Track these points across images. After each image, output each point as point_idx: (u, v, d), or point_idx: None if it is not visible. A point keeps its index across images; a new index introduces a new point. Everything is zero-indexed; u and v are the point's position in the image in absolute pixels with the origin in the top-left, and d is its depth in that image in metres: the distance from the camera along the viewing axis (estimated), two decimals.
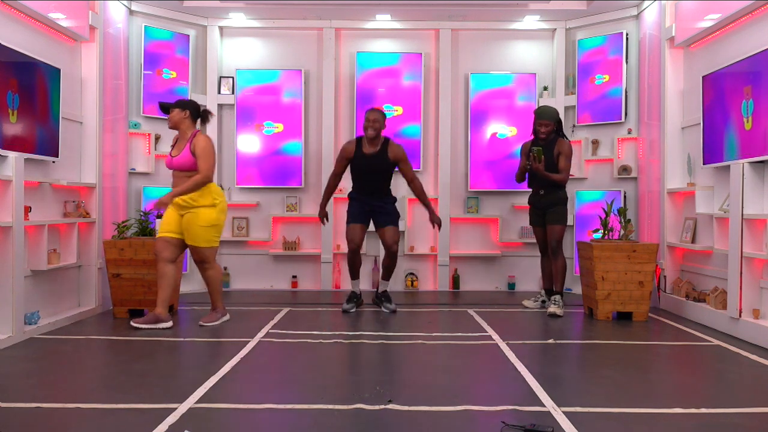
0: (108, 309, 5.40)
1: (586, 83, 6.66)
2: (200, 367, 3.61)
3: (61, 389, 3.20)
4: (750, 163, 4.44)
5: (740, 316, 4.47)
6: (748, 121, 4.57)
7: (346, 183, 6.40)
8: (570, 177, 5.65)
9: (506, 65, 6.95)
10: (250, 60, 6.94)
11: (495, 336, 4.49)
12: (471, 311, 5.55)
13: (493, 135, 6.87)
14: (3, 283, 4.14)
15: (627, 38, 6.38)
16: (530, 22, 6.80)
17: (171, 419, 2.70)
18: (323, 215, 5.59)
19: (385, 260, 5.51)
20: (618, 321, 5.16)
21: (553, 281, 5.67)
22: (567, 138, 5.68)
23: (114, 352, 4.08)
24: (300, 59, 6.93)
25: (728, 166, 4.70)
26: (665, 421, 2.76)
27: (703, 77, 5.16)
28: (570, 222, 6.47)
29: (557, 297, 5.42)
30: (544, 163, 5.38)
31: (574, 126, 6.69)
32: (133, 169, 6.16)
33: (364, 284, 6.50)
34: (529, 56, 6.96)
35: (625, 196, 6.39)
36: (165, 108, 4.84)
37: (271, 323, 4.92)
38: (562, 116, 6.14)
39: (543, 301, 5.76)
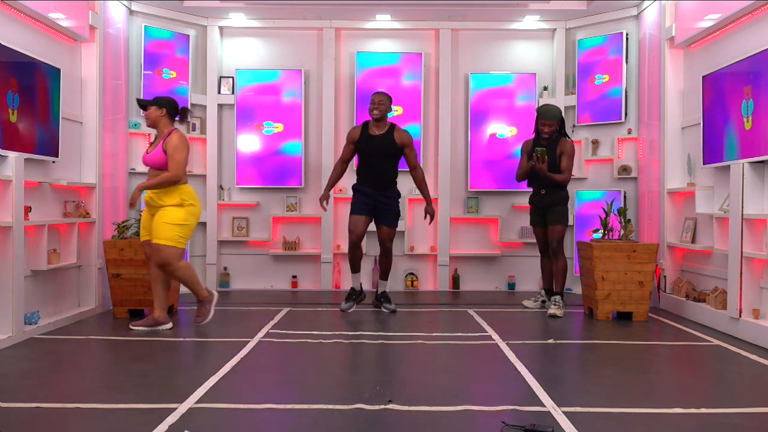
0: (108, 309, 5.40)
1: (586, 83, 6.66)
2: (200, 367, 3.61)
3: (61, 389, 3.20)
4: (750, 163, 4.44)
5: (740, 316, 4.47)
6: (748, 121, 4.57)
7: (346, 183, 6.41)
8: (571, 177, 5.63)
9: (506, 65, 6.95)
10: (250, 60, 6.94)
11: (495, 336, 4.49)
12: (471, 311, 5.55)
13: (493, 135, 6.87)
14: (3, 283, 4.14)
15: (627, 38, 6.38)
16: (530, 22, 6.80)
17: (171, 419, 2.70)
18: (325, 197, 5.36)
19: (380, 257, 5.50)
20: (618, 321, 5.16)
21: (552, 281, 5.67)
22: (570, 137, 5.67)
23: (114, 352, 4.08)
24: (300, 59, 6.93)
25: (728, 166, 4.70)
26: (665, 421, 2.76)
27: (703, 77, 5.16)
28: (570, 222, 6.47)
29: (557, 297, 5.42)
30: (546, 163, 5.36)
31: (574, 126, 6.69)
32: (133, 169, 6.16)
33: (365, 284, 6.49)
34: (529, 56, 6.96)
35: (625, 196, 6.39)
36: (142, 105, 4.74)
37: (271, 323, 4.92)
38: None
39: (543, 301, 5.76)
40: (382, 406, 2.89)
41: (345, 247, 6.69)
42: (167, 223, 4.51)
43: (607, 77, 6.51)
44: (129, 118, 6.12)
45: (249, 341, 4.25)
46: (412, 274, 6.90)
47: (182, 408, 2.85)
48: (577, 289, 6.38)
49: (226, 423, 2.73)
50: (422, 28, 6.92)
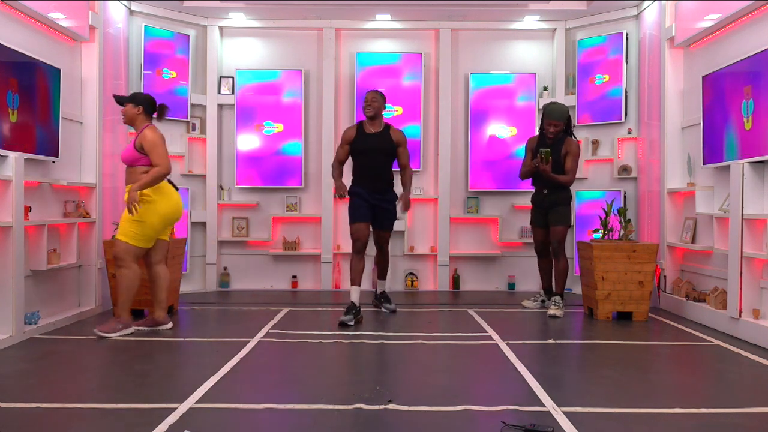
0: (108, 309, 5.39)
1: (586, 83, 6.66)
2: (200, 367, 3.61)
3: (61, 389, 3.20)
4: (750, 163, 4.44)
5: (740, 316, 4.47)
6: (748, 121, 4.57)
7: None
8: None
9: (506, 65, 6.95)
10: (250, 60, 6.94)
11: (495, 336, 4.48)
12: (471, 311, 5.55)
13: (493, 135, 6.87)
14: (3, 283, 4.14)
15: (627, 38, 6.38)
16: (530, 22, 6.81)
17: (171, 419, 2.70)
18: (343, 187, 5.13)
19: (378, 258, 5.48)
20: (618, 321, 5.16)
21: (551, 280, 5.67)
22: (575, 137, 5.64)
23: (114, 352, 4.08)
24: (300, 59, 6.94)
25: (728, 166, 4.70)
26: (665, 421, 2.76)
27: (703, 77, 5.16)
28: (570, 222, 6.46)
29: (557, 298, 5.41)
30: (551, 164, 5.33)
31: (574, 126, 6.68)
32: None
33: (365, 284, 6.47)
34: (529, 56, 6.96)
35: (625, 196, 6.39)
36: (119, 101, 4.66)
37: (271, 323, 4.92)
38: None
39: (543, 301, 5.75)
40: (382, 406, 2.89)
41: (345, 247, 6.71)
42: (124, 219, 4.45)
43: (607, 77, 6.51)
44: None
45: (249, 341, 4.25)
46: (412, 274, 6.90)
47: (182, 408, 2.85)
48: (577, 289, 6.38)
49: (226, 423, 2.73)
50: (422, 28, 6.92)
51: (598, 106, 6.57)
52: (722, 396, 3.18)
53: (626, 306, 5.19)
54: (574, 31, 6.80)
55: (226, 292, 6.65)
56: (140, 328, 4.59)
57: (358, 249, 5.12)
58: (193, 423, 2.67)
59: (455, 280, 6.86)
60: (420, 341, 4.33)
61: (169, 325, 4.69)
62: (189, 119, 6.66)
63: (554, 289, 5.56)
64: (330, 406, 2.90)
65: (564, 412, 2.83)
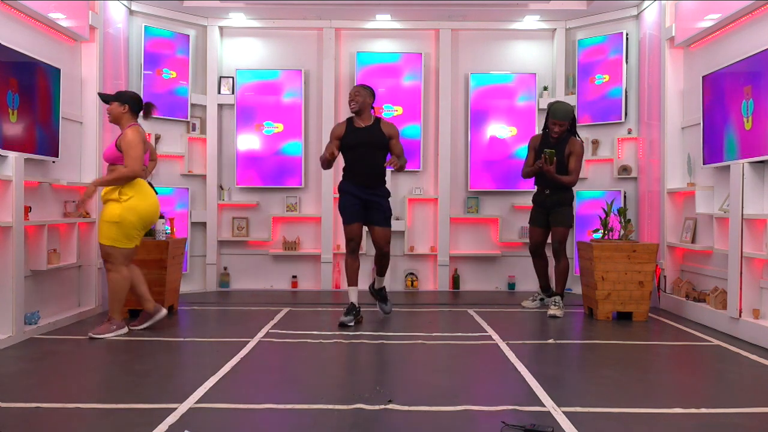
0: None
1: (586, 83, 6.66)
2: (200, 367, 3.61)
3: (61, 389, 3.20)
4: (750, 163, 4.44)
5: (740, 316, 4.47)
6: (748, 121, 4.57)
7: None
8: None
9: (506, 65, 6.95)
10: (250, 60, 6.94)
11: (495, 336, 4.48)
12: (471, 311, 5.55)
13: (493, 135, 6.87)
14: (3, 283, 4.14)
15: (627, 38, 6.38)
16: (530, 22, 6.80)
17: (171, 419, 2.70)
18: (332, 150, 4.97)
19: (377, 258, 5.36)
20: (618, 321, 5.16)
21: (547, 278, 5.67)
22: (580, 137, 5.62)
23: (114, 352, 4.08)
24: (300, 59, 6.93)
25: (728, 166, 4.70)
26: (665, 421, 2.76)
27: (703, 77, 5.16)
28: (572, 223, 6.46)
29: (557, 298, 5.41)
30: (555, 164, 5.30)
31: None
32: None
33: (365, 284, 6.46)
34: (529, 56, 6.96)
35: (625, 196, 6.39)
36: (105, 99, 4.63)
37: (271, 323, 4.92)
38: None
39: (542, 299, 5.75)
40: (382, 406, 2.89)
41: (345, 247, 6.68)
42: (104, 221, 4.42)
43: (607, 77, 6.51)
44: None
45: (249, 341, 4.25)
46: (412, 274, 6.90)
47: (182, 408, 2.85)
48: (577, 289, 6.38)
49: (226, 423, 2.73)
50: (422, 28, 6.92)
51: (598, 106, 6.57)
52: (722, 396, 3.18)
53: (626, 306, 5.19)
54: (574, 31, 6.80)
55: (226, 292, 6.65)
56: (136, 328, 4.58)
57: (352, 249, 5.06)
58: (193, 423, 2.67)
59: (455, 280, 6.86)
60: (420, 341, 4.33)
61: (163, 311, 4.67)
62: (189, 119, 6.66)
63: (554, 289, 5.56)
64: (330, 406, 2.90)
65: (564, 412, 2.83)
